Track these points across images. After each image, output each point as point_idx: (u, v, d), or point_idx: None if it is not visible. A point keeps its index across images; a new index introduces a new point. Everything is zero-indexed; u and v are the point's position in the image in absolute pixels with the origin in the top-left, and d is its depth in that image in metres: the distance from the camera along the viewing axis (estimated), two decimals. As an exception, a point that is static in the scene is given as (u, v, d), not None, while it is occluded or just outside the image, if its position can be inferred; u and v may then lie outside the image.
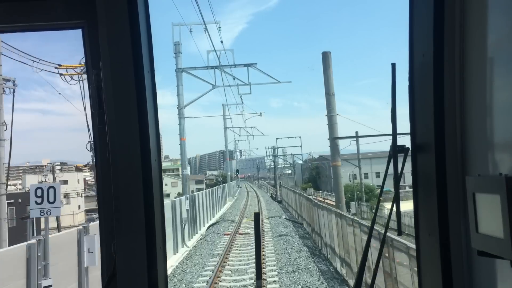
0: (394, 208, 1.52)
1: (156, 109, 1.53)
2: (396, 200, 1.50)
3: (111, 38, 1.42)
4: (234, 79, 26.86)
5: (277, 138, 72.41)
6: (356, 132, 35.27)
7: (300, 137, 66.79)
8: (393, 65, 1.48)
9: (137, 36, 1.42)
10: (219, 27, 25.82)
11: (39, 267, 7.11)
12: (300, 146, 65.38)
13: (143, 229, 1.43)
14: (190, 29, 24.37)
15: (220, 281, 13.29)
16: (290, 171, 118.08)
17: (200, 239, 22.04)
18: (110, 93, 1.43)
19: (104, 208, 1.49)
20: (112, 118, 1.43)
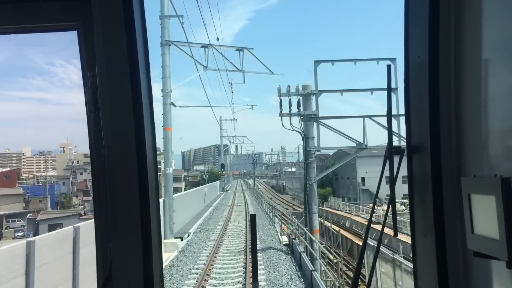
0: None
1: (152, 111, 1.53)
2: (392, 201, 1.51)
3: (107, 40, 1.41)
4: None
5: (316, 62, 17.23)
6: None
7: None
8: (389, 67, 1.48)
9: (133, 37, 1.42)
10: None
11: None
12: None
13: (139, 231, 1.43)
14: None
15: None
16: (294, 169, 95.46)
17: None
18: (105, 95, 1.42)
19: (100, 210, 1.49)
20: (108, 120, 1.42)
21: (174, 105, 21.27)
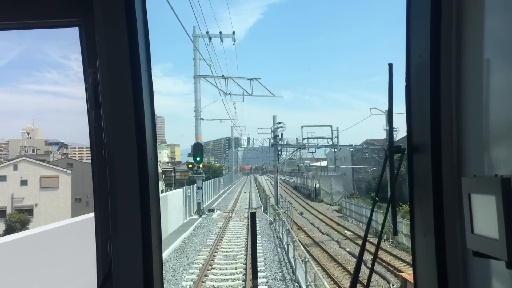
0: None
1: (153, 108, 1.53)
2: (392, 200, 1.51)
3: (108, 36, 1.41)
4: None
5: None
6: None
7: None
8: (390, 66, 1.48)
9: (134, 34, 1.42)
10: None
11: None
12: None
13: (139, 228, 1.43)
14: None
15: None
16: (324, 163, 67.97)
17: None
18: (107, 91, 1.42)
19: (100, 206, 1.49)
20: (109, 116, 1.42)
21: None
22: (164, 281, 1.62)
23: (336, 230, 26.40)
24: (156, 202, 1.52)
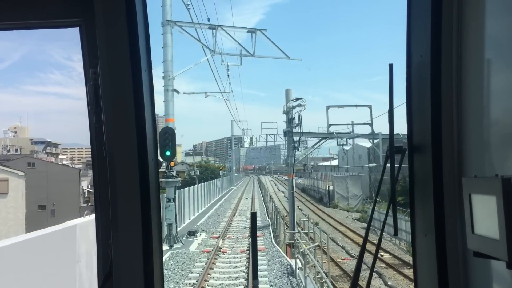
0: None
1: (153, 108, 1.53)
2: (393, 200, 1.51)
3: (109, 36, 1.41)
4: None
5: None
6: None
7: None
8: (391, 66, 1.48)
9: (135, 34, 1.42)
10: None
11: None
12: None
13: (140, 228, 1.43)
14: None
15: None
16: (335, 161, 61.55)
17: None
18: (107, 91, 1.42)
19: (100, 207, 1.49)
20: (109, 116, 1.43)
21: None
22: (164, 281, 1.62)
23: (368, 251, 16.34)
24: (157, 202, 1.52)
